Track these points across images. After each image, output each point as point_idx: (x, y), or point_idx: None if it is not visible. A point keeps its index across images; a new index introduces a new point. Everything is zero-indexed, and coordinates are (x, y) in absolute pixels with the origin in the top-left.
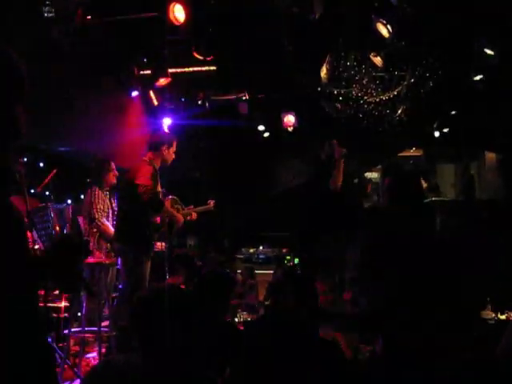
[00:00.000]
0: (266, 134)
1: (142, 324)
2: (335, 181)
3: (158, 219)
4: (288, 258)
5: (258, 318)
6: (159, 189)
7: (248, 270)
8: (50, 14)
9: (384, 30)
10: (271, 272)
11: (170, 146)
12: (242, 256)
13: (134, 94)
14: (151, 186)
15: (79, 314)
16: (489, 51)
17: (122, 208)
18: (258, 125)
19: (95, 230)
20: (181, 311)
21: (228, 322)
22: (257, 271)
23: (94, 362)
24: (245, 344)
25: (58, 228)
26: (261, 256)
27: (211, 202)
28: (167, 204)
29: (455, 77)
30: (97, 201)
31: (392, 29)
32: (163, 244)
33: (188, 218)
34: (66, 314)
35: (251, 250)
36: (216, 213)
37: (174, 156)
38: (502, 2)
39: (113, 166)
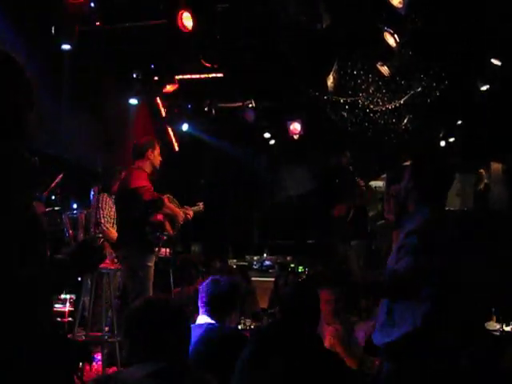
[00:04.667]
0: (272, 142)
1: (131, 334)
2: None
3: (161, 217)
4: (292, 265)
5: (264, 327)
6: None
7: (243, 274)
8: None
9: (391, 40)
10: (273, 279)
11: (154, 148)
12: (246, 263)
13: (133, 101)
14: (149, 186)
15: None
16: (496, 62)
17: (122, 215)
18: (264, 132)
19: (100, 235)
20: (166, 324)
21: (236, 328)
22: (260, 278)
23: (97, 367)
24: (252, 351)
25: (71, 234)
26: (265, 263)
27: (201, 204)
28: (166, 200)
29: (462, 87)
30: (104, 206)
31: (399, 38)
32: (167, 250)
33: (187, 216)
34: (70, 319)
35: (255, 258)
36: (221, 219)
37: (160, 158)
38: (507, 14)
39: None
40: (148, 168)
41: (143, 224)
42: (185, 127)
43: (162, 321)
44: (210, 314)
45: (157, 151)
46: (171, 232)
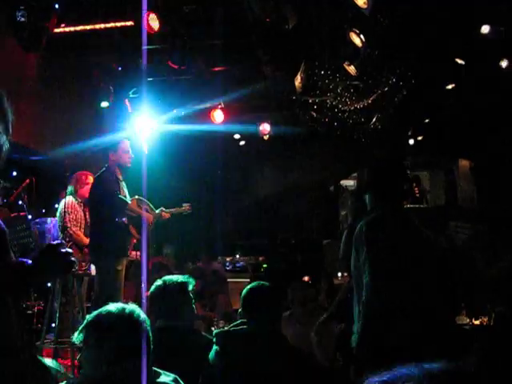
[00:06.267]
0: (242, 143)
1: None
2: None
3: (125, 220)
4: (264, 266)
5: (231, 328)
6: (123, 193)
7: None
8: (23, 19)
9: (357, 40)
10: (247, 280)
11: (115, 150)
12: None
13: (104, 104)
14: (110, 190)
15: (53, 324)
16: (460, 61)
17: (91, 219)
18: (234, 133)
19: (67, 239)
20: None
21: (196, 329)
22: (233, 279)
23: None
24: (219, 353)
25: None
26: (238, 264)
27: (187, 206)
28: (132, 204)
29: (428, 85)
30: (69, 210)
31: (365, 38)
32: (138, 253)
33: (160, 218)
34: (39, 325)
35: (228, 259)
36: (192, 221)
37: (128, 155)
38: (470, 14)
39: (89, 180)
40: (115, 169)
41: (111, 227)
42: (153, 126)
43: (121, 327)
44: (158, 313)
45: (120, 151)
46: (136, 236)
